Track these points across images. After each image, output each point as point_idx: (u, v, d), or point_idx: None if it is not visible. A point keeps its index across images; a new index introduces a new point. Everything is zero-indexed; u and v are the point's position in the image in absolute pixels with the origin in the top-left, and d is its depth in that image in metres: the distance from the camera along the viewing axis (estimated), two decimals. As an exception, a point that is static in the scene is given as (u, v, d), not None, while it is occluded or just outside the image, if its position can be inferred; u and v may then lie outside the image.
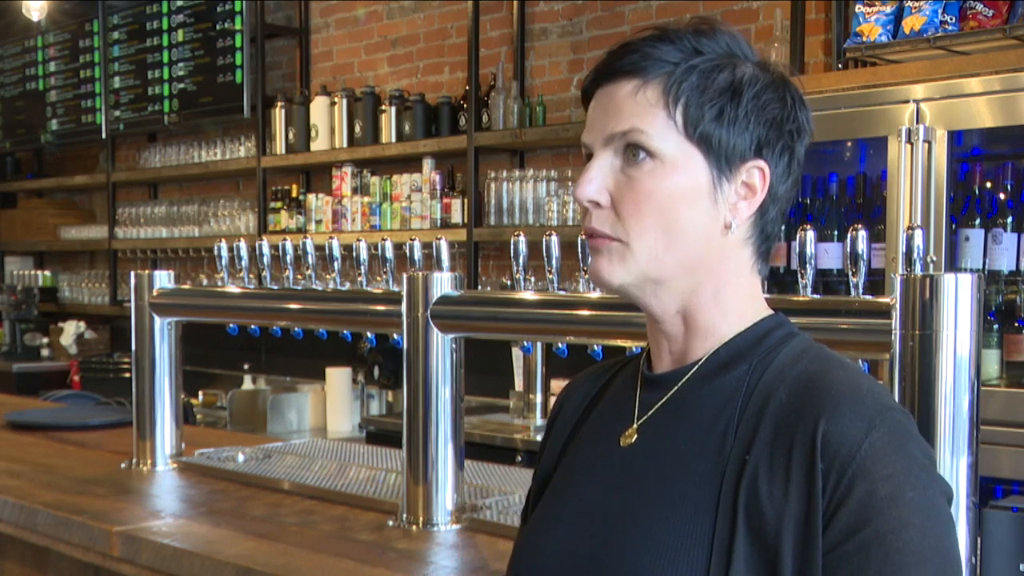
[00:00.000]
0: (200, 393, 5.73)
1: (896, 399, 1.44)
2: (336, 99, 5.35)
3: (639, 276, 1.16)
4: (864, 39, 3.28)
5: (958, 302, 1.42)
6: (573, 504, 1.22)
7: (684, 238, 1.15)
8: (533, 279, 2.50)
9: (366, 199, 5.23)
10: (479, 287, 4.71)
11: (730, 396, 1.15)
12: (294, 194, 5.60)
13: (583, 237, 1.85)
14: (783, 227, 1.24)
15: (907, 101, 2.94)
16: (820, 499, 1.04)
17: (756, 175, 1.16)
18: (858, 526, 1.03)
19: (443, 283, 2.10)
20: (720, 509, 1.09)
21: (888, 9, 3.25)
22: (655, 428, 1.19)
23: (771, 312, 1.22)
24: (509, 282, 4.10)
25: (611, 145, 1.16)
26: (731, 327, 1.18)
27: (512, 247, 2.02)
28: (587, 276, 1.91)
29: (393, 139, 5.12)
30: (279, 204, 5.64)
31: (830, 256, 3.16)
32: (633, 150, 1.14)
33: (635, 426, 1.21)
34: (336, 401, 5.04)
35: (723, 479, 1.10)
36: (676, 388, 1.19)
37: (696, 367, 1.18)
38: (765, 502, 1.06)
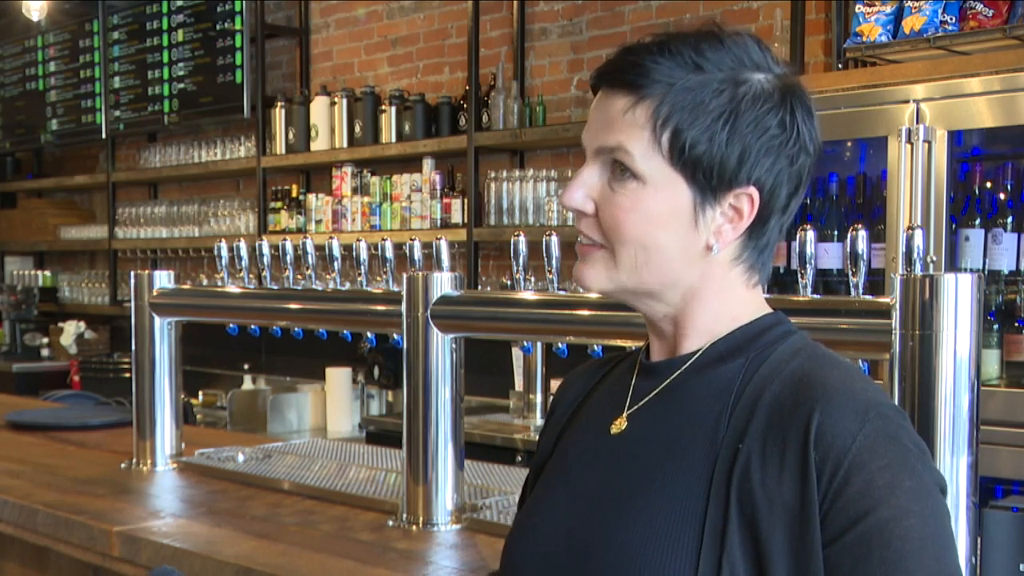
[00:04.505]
0: (200, 393, 5.73)
1: (896, 399, 1.45)
2: (336, 99, 5.34)
3: (619, 286, 1.19)
4: (864, 39, 3.28)
5: (958, 302, 1.42)
6: (564, 491, 1.23)
7: (660, 258, 1.16)
8: (533, 279, 2.50)
9: (366, 199, 5.23)
10: (479, 287, 4.71)
11: (724, 387, 1.15)
12: (294, 194, 5.60)
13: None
14: (783, 234, 1.23)
15: (907, 101, 2.94)
16: (815, 491, 1.05)
17: (744, 201, 1.15)
18: (858, 516, 1.04)
19: (443, 283, 2.10)
20: (712, 496, 1.09)
21: (888, 9, 3.25)
22: (647, 416, 1.20)
23: (770, 311, 1.22)
24: (509, 282, 4.10)
25: (600, 157, 1.17)
26: (725, 329, 1.19)
27: (512, 247, 2.02)
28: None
29: (393, 139, 5.12)
30: (279, 204, 5.64)
31: (830, 256, 3.16)
32: (620, 166, 1.15)
33: (625, 414, 1.22)
34: (336, 401, 5.04)
35: (715, 466, 1.10)
36: (671, 377, 1.20)
37: (693, 358, 1.19)
38: (757, 491, 1.07)
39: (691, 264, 1.17)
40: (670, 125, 1.13)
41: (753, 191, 1.15)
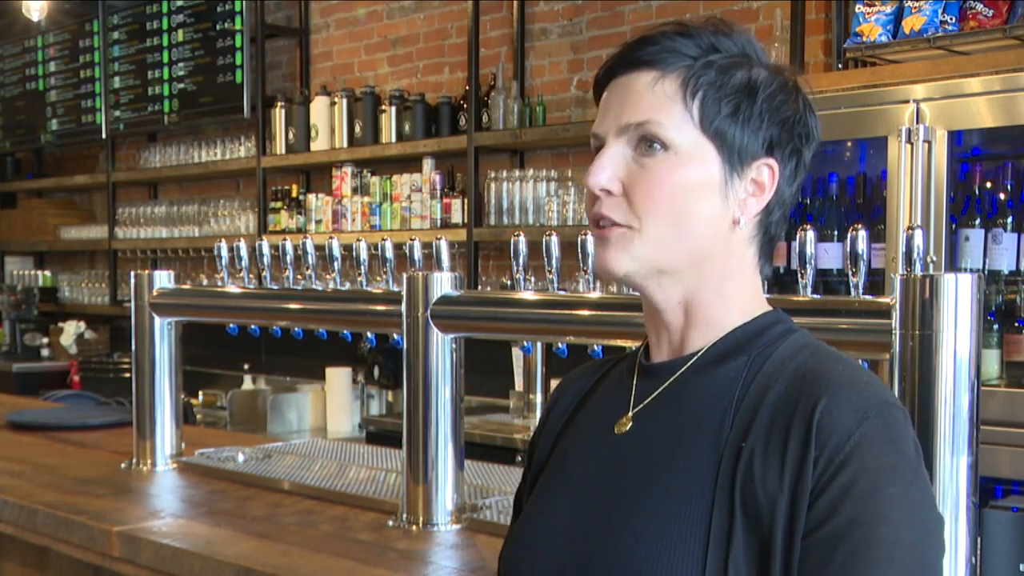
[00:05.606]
0: (200, 393, 5.73)
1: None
2: (336, 99, 5.35)
3: (646, 264, 1.16)
4: (864, 39, 3.28)
5: (958, 302, 1.42)
6: (567, 493, 1.22)
7: (693, 229, 1.16)
8: (533, 279, 2.50)
9: (366, 199, 5.23)
10: (479, 287, 4.71)
11: (727, 387, 1.15)
12: (294, 194, 5.60)
13: (583, 237, 1.86)
14: (785, 228, 1.24)
15: (907, 101, 2.94)
16: (808, 484, 1.04)
17: (766, 173, 1.18)
18: (831, 513, 1.03)
19: (443, 283, 2.10)
20: (717, 497, 1.09)
21: (888, 9, 3.25)
22: (650, 416, 1.20)
23: (771, 308, 1.22)
24: (509, 282, 4.10)
25: (624, 135, 1.17)
26: (732, 321, 1.19)
27: (512, 247, 2.01)
28: (585, 277, 1.91)
29: (393, 139, 5.12)
30: (279, 204, 5.64)
31: (830, 256, 3.16)
32: (648, 142, 1.15)
33: (630, 414, 1.21)
34: (336, 401, 5.05)
35: (719, 467, 1.10)
36: (673, 377, 1.19)
37: (695, 358, 1.19)
38: (759, 489, 1.06)
39: (718, 238, 1.17)
40: (699, 94, 1.15)
41: (772, 162, 1.18)
